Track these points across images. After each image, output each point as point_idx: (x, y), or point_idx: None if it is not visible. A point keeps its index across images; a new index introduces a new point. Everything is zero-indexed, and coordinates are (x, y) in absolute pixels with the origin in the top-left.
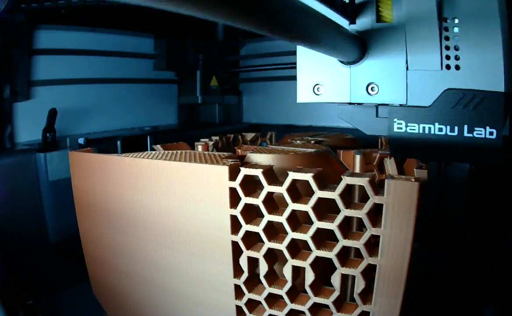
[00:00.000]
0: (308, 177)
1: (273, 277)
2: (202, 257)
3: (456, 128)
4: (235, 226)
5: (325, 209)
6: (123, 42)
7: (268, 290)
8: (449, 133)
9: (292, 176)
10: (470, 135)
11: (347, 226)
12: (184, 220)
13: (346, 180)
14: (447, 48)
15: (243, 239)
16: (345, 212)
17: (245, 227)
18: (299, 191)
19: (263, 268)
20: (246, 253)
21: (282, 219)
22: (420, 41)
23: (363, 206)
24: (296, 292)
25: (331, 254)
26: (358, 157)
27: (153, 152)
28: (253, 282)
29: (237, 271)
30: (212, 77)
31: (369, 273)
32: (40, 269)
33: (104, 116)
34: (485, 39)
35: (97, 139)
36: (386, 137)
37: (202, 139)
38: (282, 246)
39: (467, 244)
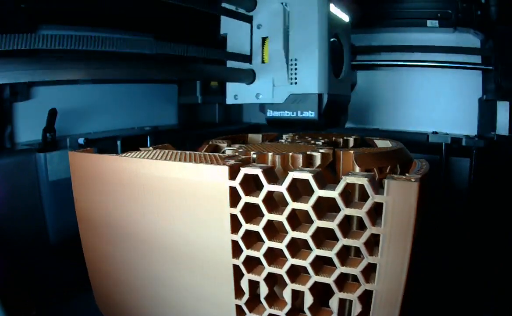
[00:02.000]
0: (308, 176)
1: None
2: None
3: (295, 112)
4: (235, 225)
5: (326, 209)
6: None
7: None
8: (291, 115)
9: (292, 175)
10: (301, 115)
11: (347, 225)
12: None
13: (346, 179)
14: (291, 73)
15: (243, 238)
16: (345, 211)
17: (245, 226)
18: (299, 191)
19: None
20: (246, 252)
21: (282, 218)
22: (278, 71)
23: (363, 205)
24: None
25: (331, 253)
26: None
27: (153, 152)
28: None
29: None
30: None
31: (369, 273)
32: (40, 269)
33: (104, 116)
34: (309, 70)
35: (97, 139)
36: (266, 118)
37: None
38: (282, 245)
39: (467, 244)
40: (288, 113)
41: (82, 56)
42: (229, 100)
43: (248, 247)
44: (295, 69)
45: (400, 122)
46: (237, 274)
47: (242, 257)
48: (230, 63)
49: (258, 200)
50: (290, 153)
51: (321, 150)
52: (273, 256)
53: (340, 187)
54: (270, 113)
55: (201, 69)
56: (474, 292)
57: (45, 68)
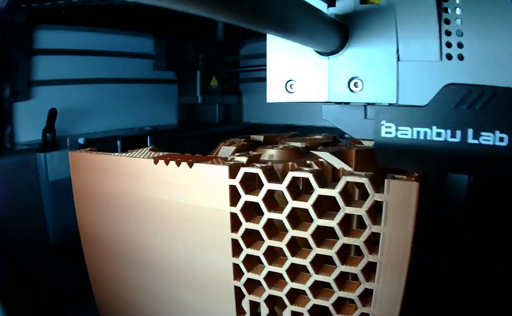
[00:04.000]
0: (308, 175)
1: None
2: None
3: (458, 133)
4: (235, 224)
5: (326, 208)
6: (123, 42)
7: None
8: (449, 139)
9: (292, 173)
10: (476, 141)
11: (347, 224)
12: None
13: (346, 178)
14: (448, 33)
15: (242, 236)
16: (345, 210)
17: (245, 225)
18: (299, 189)
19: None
20: (246, 251)
21: (282, 216)
22: (415, 25)
23: (363, 204)
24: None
25: (331, 252)
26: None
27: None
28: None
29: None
30: (212, 77)
31: (369, 272)
32: (40, 269)
33: (104, 116)
34: (495, 21)
35: (97, 139)
36: (376, 146)
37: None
38: (282, 244)
39: (467, 244)
40: (439, 136)
41: None
42: (273, 94)
43: (248, 266)
44: (458, 22)
45: None
46: (239, 295)
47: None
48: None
49: (258, 198)
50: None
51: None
52: (273, 230)
53: (340, 185)
54: (388, 131)
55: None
56: (474, 292)
57: None
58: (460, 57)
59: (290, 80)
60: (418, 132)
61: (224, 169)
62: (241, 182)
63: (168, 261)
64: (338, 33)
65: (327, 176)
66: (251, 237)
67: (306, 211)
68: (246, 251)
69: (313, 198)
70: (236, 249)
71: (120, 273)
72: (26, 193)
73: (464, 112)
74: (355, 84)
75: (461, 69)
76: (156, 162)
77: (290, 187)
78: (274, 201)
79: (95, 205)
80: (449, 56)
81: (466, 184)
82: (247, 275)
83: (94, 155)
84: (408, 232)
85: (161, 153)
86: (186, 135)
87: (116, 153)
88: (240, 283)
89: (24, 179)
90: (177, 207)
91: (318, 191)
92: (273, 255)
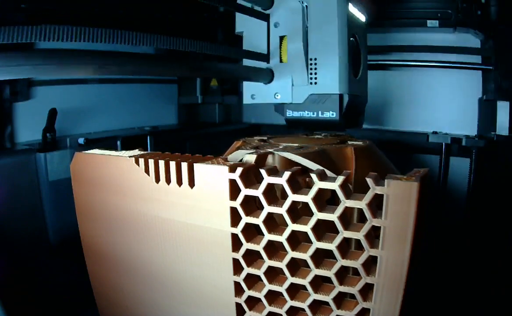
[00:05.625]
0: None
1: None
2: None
3: (315, 112)
4: (235, 219)
5: (325, 205)
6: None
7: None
8: (312, 115)
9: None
10: (322, 116)
11: (348, 218)
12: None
13: (346, 172)
14: (311, 73)
15: (242, 231)
16: (345, 203)
17: (245, 219)
18: (299, 184)
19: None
20: (246, 245)
21: (282, 210)
22: (299, 71)
23: (364, 197)
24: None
25: (331, 246)
26: None
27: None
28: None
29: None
30: (212, 77)
31: (370, 266)
32: (40, 269)
33: (104, 116)
34: (330, 69)
35: (97, 139)
36: (285, 119)
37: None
38: (282, 238)
39: (467, 244)
40: (308, 114)
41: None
42: (246, 100)
43: (249, 284)
44: (315, 69)
45: (400, 122)
46: (240, 312)
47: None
48: (246, 63)
49: (258, 192)
50: None
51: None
52: (273, 224)
53: (340, 179)
54: (289, 113)
55: (219, 67)
56: (474, 292)
57: (51, 63)
58: (316, 83)
59: (253, 94)
60: (300, 113)
61: (226, 189)
62: (242, 204)
63: (171, 276)
64: (269, 75)
65: None
66: (252, 257)
67: (306, 208)
68: (247, 270)
69: (313, 191)
70: (237, 267)
71: (122, 285)
72: (26, 193)
73: (317, 104)
74: (276, 95)
75: (316, 88)
76: (157, 180)
77: (290, 181)
78: (273, 190)
79: (96, 219)
80: (311, 83)
81: (466, 184)
82: (248, 292)
83: (98, 157)
84: (409, 225)
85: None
86: (186, 135)
87: (116, 153)
88: (241, 300)
89: (24, 179)
90: (178, 225)
91: (318, 184)
92: (274, 273)
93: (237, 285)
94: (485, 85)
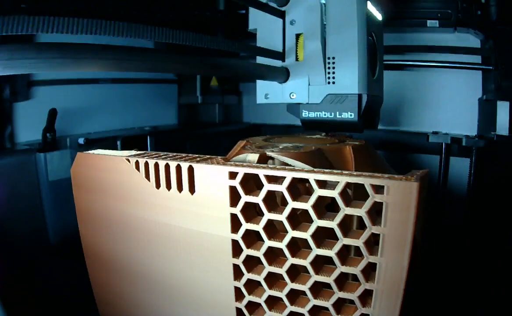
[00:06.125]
0: (308, 175)
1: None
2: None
3: (332, 113)
4: (235, 225)
5: (325, 210)
6: (123, 40)
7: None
8: (329, 116)
9: (292, 174)
10: (340, 116)
11: (347, 225)
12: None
13: (346, 178)
14: (329, 72)
15: (243, 237)
16: (345, 210)
17: (245, 225)
18: (299, 190)
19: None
20: (246, 251)
21: (282, 217)
22: (316, 70)
23: (363, 204)
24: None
25: (331, 253)
26: None
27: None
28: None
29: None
30: (212, 77)
31: (369, 272)
32: (40, 269)
33: (104, 116)
34: (348, 69)
35: (97, 139)
36: (301, 119)
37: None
38: (282, 245)
39: (467, 244)
40: (325, 114)
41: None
42: (260, 99)
43: (249, 289)
44: (333, 68)
45: (400, 122)
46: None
47: (244, 301)
48: (259, 61)
49: (258, 199)
50: None
51: None
52: (273, 231)
53: (340, 186)
54: (305, 114)
55: (234, 64)
56: (474, 292)
57: (65, 57)
58: (333, 83)
59: (267, 93)
60: (317, 114)
61: (226, 195)
62: (242, 211)
63: (171, 281)
64: (285, 74)
65: None
66: (252, 262)
67: (306, 214)
68: (247, 275)
69: (313, 198)
70: (237, 273)
71: (123, 289)
72: (26, 193)
73: (335, 105)
74: (292, 95)
75: (334, 87)
76: (158, 186)
77: (290, 188)
78: (273, 198)
79: (97, 223)
80: (329, 82)
81: (466, 183)
82: (248, 297)
83: (94, 172)
84: (409, 231)
85: (162, 154)
86: (186, 135)
87: (114, 153)
88: (242, 305)
89: (24, 179)
90: (178, 231)
91: (318, 192)
92: (274, 279)
93: (237, 290)
94: (485, 85)
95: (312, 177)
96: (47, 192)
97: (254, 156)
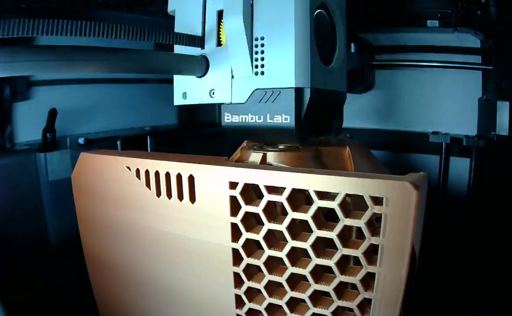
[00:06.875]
0: (308, 186)
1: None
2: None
3: (262, 116)
4: (235, 234)
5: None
6: (123, 42)
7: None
8: (257, 120)
9: (292, 185)
10: (272, 121)
11: (347, 235)
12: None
13: (345, 190)
14: (256, 59)
15: (243, 246)
16: (344, 221)
17: (246, 235)
18: (299, 200)
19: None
20: (247, 260)
21: (282, 227)
22: (239, 57)
23: (362, 215)
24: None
25: (330, 262)
26: None
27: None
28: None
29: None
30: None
31: (368, 281)
32: (40, 269)
33: (104, 116)
34: (282, 52)
35: (97, 139)
36: (223, 126)
37: None
38: (282, 254)
39: (467, 244)
40: (252, 118)
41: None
42: (177, 100)
43: (249, 296)
44: (262, 52)
45: (400, 122)
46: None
47: (245, 308)
48: (179, 51)
49: (258, 209)
50: None
51: None
52: (273, 239)
53: (340, 197)
54: (227, 118)
55: (136, 57)
56: (474, 292)
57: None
58: (262, 73)
59: (184, 92)
60: (242, 118)
61: (227, 205)
62: (242, 220)
63: (172, 287)
64: (202, 64)
65: None
66: (252, 271)
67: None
68: (248, 283)
69: (312, 209)
70: (237, 281)
71: (124, 294)
72: (26, 193)
73: (264, 105)
74: (212, 92)
75: (263, 80)
76: (158, 194)
77: (290, 198)
78: (273, 207)
79: (98, 229)
80: (256, 72)
81: (466, 184)
82: (249, 305)
83: (94, 179)
84: (407, 241)
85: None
86: (186, 135)
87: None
88: (242, 312)
89: (24, 179)
90: (179, 239)
91: (318, 203)
92: (274, 287)
93: (238, 297)
94: (485, 85)
95: (311, 188)
96: (47, 192)
97: (257, 157)
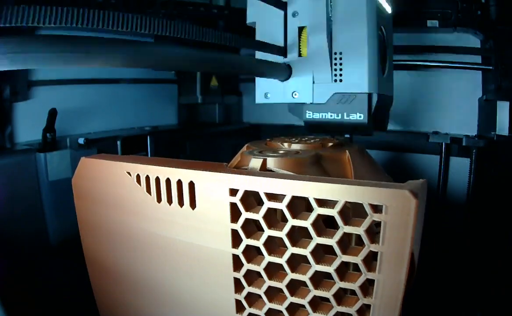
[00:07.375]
0: (308, 194)
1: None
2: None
3: (340, 114)
4: (236, 240)
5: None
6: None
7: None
8: (336, 117)
9: (292, 193)
10: (348, 118)
11: (346, 242)
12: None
13: (345, 197)
14: (335, 70)
15: (243, 252)
16: (344, 229)
17: (246, 241)
18: (299, 206)
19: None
20: (247, 266)
21: (282, 234)
22: (321, 68)
23: (362, 223)
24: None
25: (330, 269)
26: None
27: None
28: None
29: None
30: (212, 77)
31: (367, 287)
32: (40, 269)
33: (104, 116)
34: (357, 66)
35: (97, 139)
36: (304, 121)
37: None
38: (282, 260)
39: (467, 244)
40: (332, 116)
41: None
42: (259, 99)
43: (249, 302)
44: (340, 64)
45: (400, 122)
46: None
47: (245, 313)
48: (259, 57)
49: (258, 216)
50: None
51: None
52: (273, 246)
53: (340, 205)
54: (309, 115)
55: (232, 60)
56: (474, 292)
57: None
58: (341, 81)
59: (266, 92)
60: (322, 115)
61: (227, 211)
62: (242, 226)
63: (172, 293)
64: (286, 71)
65: None
66: (253, 276)
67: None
68: (248, 289)
69: (312, 217)
70: (238, 286)
71: (124, 299)
72: (26, 193)
73: (342, 105)
74: (294, 94)
75: (341, 86)
76: (159, 200)
77: (290, 206)
78: (273, 213)
79: (99, 233)
80: (335, 80)
81: (466, 183)
82: (249, 310)
83: (95, 184)
84: (406, 247)
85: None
86: (186, 135)
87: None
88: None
89: (24, 179)
90: (179, 244)
91: (318, 210)
92: (274, 292)
93: (238, 302)
94: (485, 85)
95: (311, 196)
96: (47, 192)
97: (257, 163)
